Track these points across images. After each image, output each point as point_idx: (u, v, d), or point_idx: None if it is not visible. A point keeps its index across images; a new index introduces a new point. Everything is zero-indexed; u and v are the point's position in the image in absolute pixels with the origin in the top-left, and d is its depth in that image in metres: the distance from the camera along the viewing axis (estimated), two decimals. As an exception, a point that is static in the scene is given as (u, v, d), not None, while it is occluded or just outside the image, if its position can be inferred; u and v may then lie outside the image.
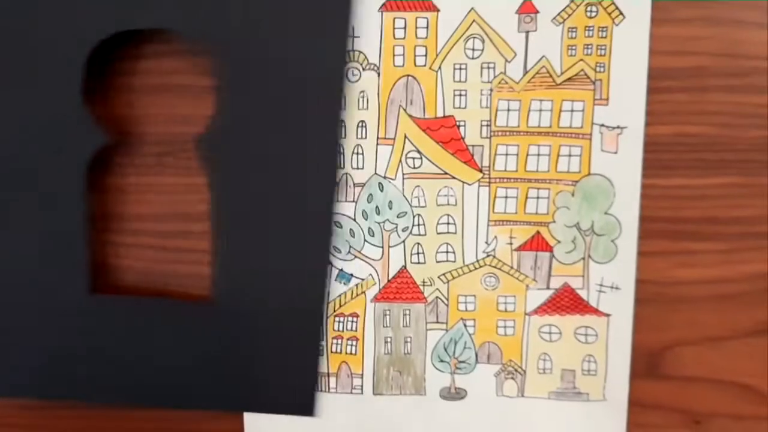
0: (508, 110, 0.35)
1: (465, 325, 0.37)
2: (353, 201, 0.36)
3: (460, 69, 0.35)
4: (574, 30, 0.34)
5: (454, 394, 0.38)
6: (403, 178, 0.36)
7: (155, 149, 0.37)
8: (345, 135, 0.35)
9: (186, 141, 0.36)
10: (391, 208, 0.36)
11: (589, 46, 0.34)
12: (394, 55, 0.35)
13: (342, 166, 0.36)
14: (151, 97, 0.36)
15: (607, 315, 0.37)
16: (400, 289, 0.37)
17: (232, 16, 0.34)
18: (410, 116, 0.35)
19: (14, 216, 0.36)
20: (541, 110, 0.35)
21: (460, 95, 0.35)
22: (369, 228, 0.36)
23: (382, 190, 0.36)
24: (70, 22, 0.34)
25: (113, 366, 0.37)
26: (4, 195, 0.36)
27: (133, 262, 0.38)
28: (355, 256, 0.37)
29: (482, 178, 0.36)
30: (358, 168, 0.36)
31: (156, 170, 0.37)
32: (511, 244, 0.37)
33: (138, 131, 0.37)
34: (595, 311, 0.37)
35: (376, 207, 0.36)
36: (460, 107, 0.35)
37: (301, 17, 0.34)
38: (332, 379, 0.38)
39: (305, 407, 0.37)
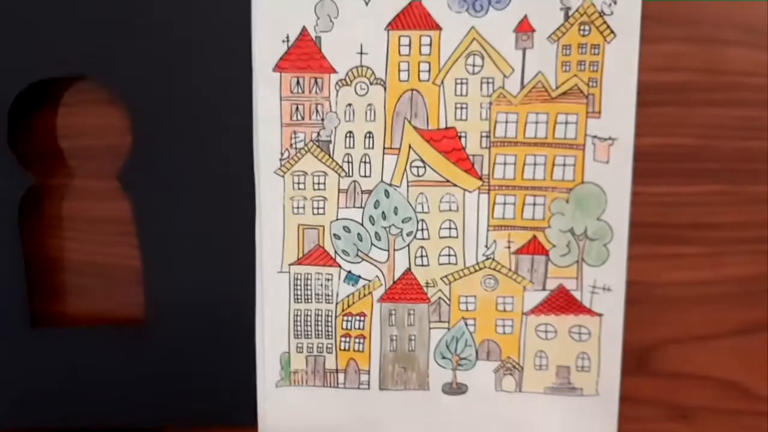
0: (507, 122, 0.37)
1: (466, 324, 0.39)
2: (361, 207, 0.38)
3: (462, 84, 0.36)
4: (568, 47, 0.36)
5: (455, 389, 0.39)
6: (408, 186, 0.37)
7: (80, 184, 0.38)
8: (354, 145, 0.37)
9: (109, 177, 0.37)
10: (396, 214, 0.38)
11: (583, 63, 0.36)
12: (399, 71, 0.36)
13: (351, 174, 0.37)
14: (71, 138, 0.38)
15: (600, 315, 0.38)
16: (405, 290, 0.39)
17: (136, 61, 0.36)
18: (414, 128, 0.37)
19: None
20: (537, 122, 0.37)
21: (461, 108, 0.37)
22: (376, 232, 0.38)
23: (388, 197, 0.38)
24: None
25: (55, 392, 0.38)
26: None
27: (69, 294, 0.39)
28: (363, 259, 0.38)
29: (482, 185, 0.37)
30: (365, 176, 0.37)
31: (79, 203, 0.38)
32: (509, 247, 0.38)
33: (62, 171, 0.38)
34: (588, 311, 0.38)
35: (383, 212, 0.38)
36: (461, 119, 0.37)
37: (203, 53, 0.35)
38: (341, 375, 0.39)
39: (246, 417, 0.39)
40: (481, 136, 0.37)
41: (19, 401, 0.39)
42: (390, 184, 0.38)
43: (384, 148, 0.37)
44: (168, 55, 0.36)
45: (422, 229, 0.38)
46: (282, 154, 0.37)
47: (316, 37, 0.36)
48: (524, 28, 0.36)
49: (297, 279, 0.38)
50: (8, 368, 0.38)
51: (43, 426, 0.39)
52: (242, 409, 0.39)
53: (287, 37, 0.36)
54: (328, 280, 0.38)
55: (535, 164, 0.37)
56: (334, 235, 0.38)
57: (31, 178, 0.37)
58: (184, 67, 0.36)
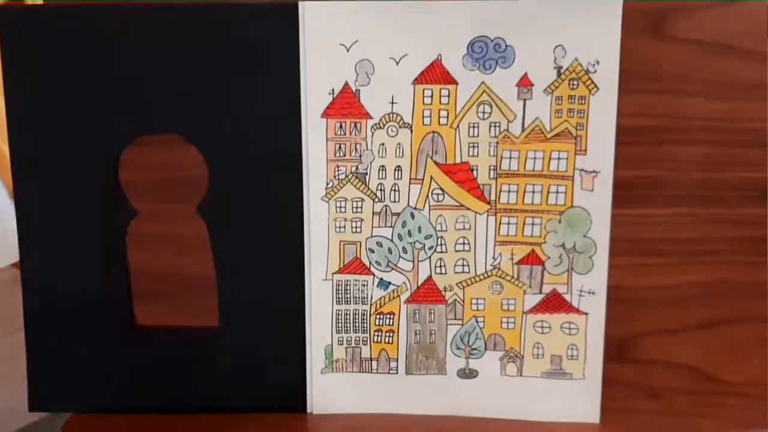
0: (510, 158, 0.41)
1: (477, 321, 0.43)
2: (391, 226, 0.43)
3: (474, 127, 0.41)
4: (560, 98, 0.40)
5: (468, 373, 0.44)
6: (430, 209, 0.42)
7: (163, 208, 0.43)
8: (386, 177, 0.42)
9: (187, 202, 0.43)
10: (420, 232, 0.43)
11: (572, 111, 0.40)
12: (423, 117, 0.41)
13: (383, 200, 0.42)
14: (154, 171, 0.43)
15: (586, 313, 0.42)
16: (427, 293, 0.43)
17: (211, 118, 0.41)
18: (435, 162, 0.42)
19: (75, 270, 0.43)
20: (535, 158, 0.41)
21: (474, 147, 0.41)
22: (403, 247, 0.43)
23: (413, 218, 0.43)
24: (107, 131, 0.42)
25: (149, 381, 0.44)
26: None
27: (151, 298, 0.44)
28: (392, 269, 0.43)
29: (490, 209, 0.42)
30: (395, 201, 0.42)
31: (163, 224, 0.43)
32: (512, 259, 0.43)
33: (150, 198, 0.43)
34: (577, 311, 0.43)
35: (409, 231, 0.43)
36: (473, 156, 0.42)
37: (261, 107, 0.41)
38: (374, 363, 0.44)
39: (297, 400, 0.44)
40: (490, 169, 0.42)
41: (121, 388, 0.45)
42: (415, 208, 0.42)
43: (410, 178, 0.42)
44: (235, 111, 0.42)
45: (441, 245, 0.43)
46: (327, 184, 0.42)
47: (356, 90, 0.41)
48: (525, 83, 0.40)
49: (339, 285, 0.43)
50: (115, 360, 0.45)
51: (139, 408, 0.45)
52: (294, 394, 0.44)
53: (332, 90, 0.41)
54: (364, 285, 0.43)
55: (533, 192, 0.42)
56: (369, 249, 0.43)
57: (135, 209, 0.43)
58: (246, 118, 0.42)
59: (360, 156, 0.42)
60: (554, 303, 0.43)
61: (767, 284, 0.43)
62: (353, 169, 0.42)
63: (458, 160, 0.42)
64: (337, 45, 0.41)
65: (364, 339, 0.44)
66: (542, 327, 0.43)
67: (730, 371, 0.44)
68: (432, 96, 0.41)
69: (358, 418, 0.44)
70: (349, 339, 0.44)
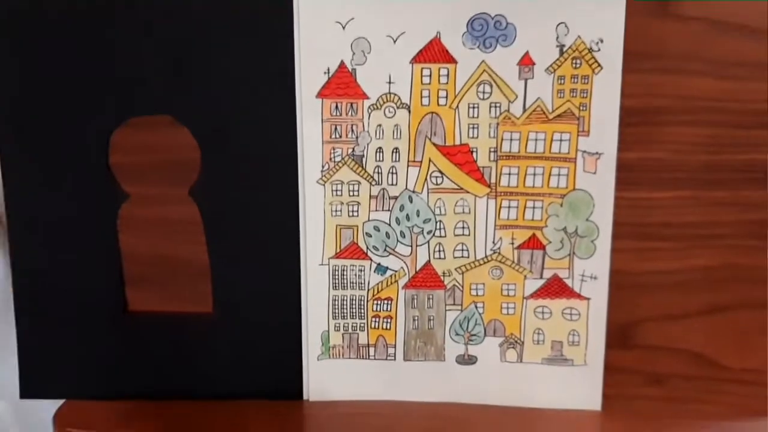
0: (511, 140, 0.41)
1: (476, 307, 0.43)
2: (389, 210, 0.42)
3: (474, 108, 0.41)
4: (562, 78, 0.40)
5: (467, 360, 0.44)
6: (428, 193, 0.42)
7: (155, 192, 0.42)
8: (383, 159, 0.42)
9: (179, 185, 0.42)
10: (418, 216, 0.42)
11: (575, 91, 0.40)
12: (421, 97, 0.40)
13: (380, 182, 0.42)
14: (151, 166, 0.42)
15: (588, 299, 0.42)
16: (425, 278, 0.43)
17: (204, 99, 0.41)
18: (434, 144, 0.41)
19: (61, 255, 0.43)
20: (536, 140, 0.41)
21: (473, 128, 0.41)
22: (401, 231, 0.42)
23: (411, 202, 0.42)
24: (96, 112, 0.41)
25: (141, 366, 0.44)
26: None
27: (142, 283, 0.43)
28: (390, 253, 0.43)
29: (490, 192, 0.42)
30: (392, 184, 0.42)
31: (155, 208, 0.42)
32: (512, 243, 0.42)
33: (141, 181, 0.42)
34: (578, 296, 0.42)
35: (407, 215, 0.42)
36: (473, 137, 0.41)
37: (254, 88, 0.40)
38: (371, 349, 0.44)
39: (293, 386, 0.44)
40: (490, 151, 0.41)
41: (114, 374, 0.44)
42: (413, 191, 0.42)
43: (408, 161, 0.41)
44: (226, 92, 0.41)
45: (440, 229, 0.42)
46: (323, 167, 0.42)
47: (352, 69, 0.40)
48: (526, 62, 0.40)
49: (335, 270, 0.43)
50: (107, 347, 0.44)
51: (132, 395, 0.44)
52: (290, 381, 0.44)
53: (328, 69, 0.40)
54: (361, 270, 0.43)
55: (534, 174, 0.41)
56: (366, 233, 0.43)
57: (126, 192, 0.42)
58: (239, 99, 0.41)
59: (356, 138, 0.42)
60: (555, 288, 0.43)
61: (772, 268, 0.42)
62: (349, 151, 0.42)
63: (457, 142, 0.41)
64: (332, 22, 0.40)
65: (362, 325, 0.44)
66: (543, 312, 0.43)
67: (733, 357, 0.43)
68: (430, 75, 0.40)
69: (355, 405, 0.44)
70: (346, 325, 0.44)
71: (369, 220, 0.43)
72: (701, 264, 0.42)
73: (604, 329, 0.43)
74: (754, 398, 0.43)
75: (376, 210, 0.42)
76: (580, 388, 0.43)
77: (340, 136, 0.42)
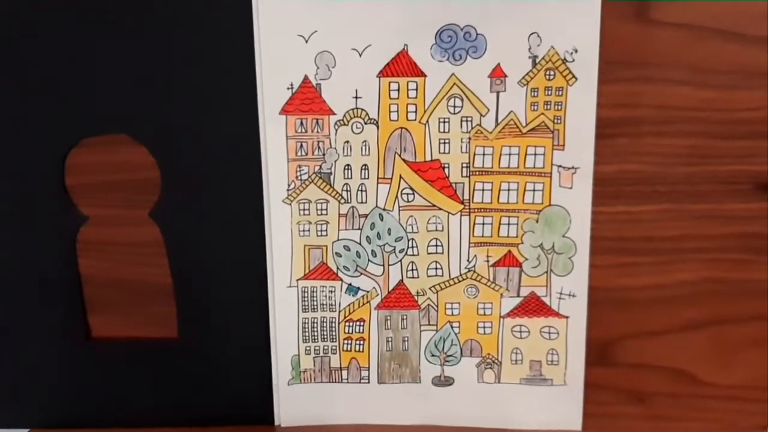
0: (484, 154, 0.40)
1: (451, 327, 0.42)
2: (359, 229, 0.41)
3: (444, 122, 0.39)
4: (536, 90, 0.39)
5: (443, 381, 0.43)
6: (399, 210, 0.41)
7: (114, 213, 0.41)
8: (351, 176, 0.40)
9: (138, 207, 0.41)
10: (390, 234, 0.41)
11: (549, 103, 0.39)
12: (390, 112, 0.39)
13: (349, 200, 0.41)
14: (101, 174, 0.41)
15: (566, 317, 0.41)
16: (399, 298, 0.42)
17: (162, 117, 0.39)
18: (404, 160, 0.40)
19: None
20: (510, 154, 0.40)
21: (444, 143, 0.40)
22: (372, 250, 0.41)
23: (382, 220, 0.41)
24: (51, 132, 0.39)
25: (104, 395, 0.43)
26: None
27: (103, 308, 0.42)
28: (361, 273, 0.42)
29: (463, 209, 0.41)
30: (362, 202, 0.41)
31: (114, 229, 0.41)
32: (488, 261, 0.41)
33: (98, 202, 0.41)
34: (557, 314, 0.42)
35: (378, 233, 0.41)
36: (444, 152, 0.40)
37: (214, 104, 0.39)
38: (344, 372, 0.43)
39: (263, 413, 0.43)
40: (462, 167, 0.40)
41: (79, 402, 0.43)
42: (384, 209, 0.41)
43: (378, 178, 0.40)
44: (186, 109, 0.39)
45: (412, 247, 0.41)
46: (289, 185, 0.40)
47: (316, 84, 0.39)
48: (497, 74, 0.38)
49: (304, 292, 0.42)
50: (71, 374, 0.43)
51: (98, 424, 0.43)
52: (260, 406, 0.43)
53: (291, 85, 0.39)
54: (332, 291, 0.42)
55: (509, 190, 0.40)
56: (336, 253, 0.41)
57: (84, 215, 0.41)
58: (200, 116, 0.39)
59: (323, 155, 0.40)
60: (533, 306, 0.42)
61: (756, 282, 0.41)
62: (316, 168, 0.41)
63: (428, 158, 0.40)
64: (294, 36, 0.38)
65: (333, 348, 0.43)
66: (520, 331, 0.42)
67: (717, 374, 0.43)
68: (399, 89, 0.39)
69: (328, 430, 0.43)
70: (317, 348, 0.43)
71: (338, 240, 0.42)
72: (683, 279, 0.41)
73: (583, 347, 0.42)
74: (739, 414, 0.43)
75: (346, 229, 0.41)
76: (560, 408, 0.43)
77: (306, 154, 0.40)
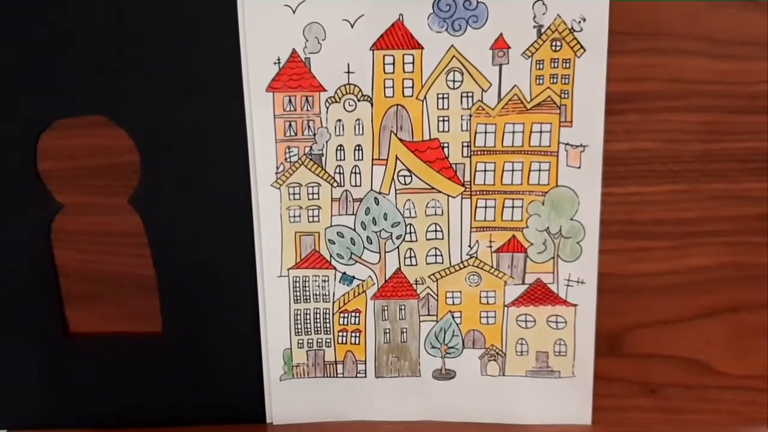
0: (486, 133, 0.38)
1: (453, 317, 0.41)
2: (353, 214, 0.39)
3: (443, 98, 0.38)
4: (541, 62, 0.37)
5: (444, 374, 0.42)
6: (396, 193, 0.39)
7: (91, 201, 0.39)
8: (344, 157, 0.38)
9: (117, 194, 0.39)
10: (386, 219, 0.40)
11: (555, 76, 0.37)
12: (384, 88, 0.38)
13: (342, 184, 0.39)
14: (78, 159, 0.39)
15: (574, 305, 0.40)
16: (396, 288, 0.41)
17: (140, 96, 0.37)
18: (400, 140, 0.38)
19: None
20: (514, 132, 0.38)
21: (444, 121, 0.38)
22: (367, 237, 0.40)
23: (377, 204, 0.39)
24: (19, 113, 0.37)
25: (85, 393, 0.41)
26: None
27: (83, 301, 0.41)
28: (356, 261, 0.40)
29: (464, 191, 0.39)
30: (356, 185, 0.39)
31: (92, 218, 0.39)
32: (490, 247, 0.40)
33: (74, 189, 0.39)
34: (564, 302, 0.40)
35: (373, 218, 0.40)
36: (443, 131, 0.38)
37: (196, 82, 0.37)
38: (339, 366, 0.41)
39: (254, 410, 0.41)
40: (463, 146, 0.38)
41: (58, 402, 0.41)
42: (379, 192, 0.39)
43: (372, 159, 0.39)
44: (166, 88, 0.37)
45: (410, 233, 0.40)
46: (277, 168, 0.38)
47: (305, 58, 0.37)
48: (500, 45, 0.37)
49: (296, 281, 0.40)
50: (48, 372, 0.41)
51: (79, 424, 0.42)
52: (251, 404, 0.41)
53: (278, 59, 0.37)
54: (325, 281, 0.40)
55: (512, 170, 0.39)
56: (329, 240, 0.40)
57: (59, 202, 0.39)
58: (181, 95, 0.37)
59: (314, 135, 0.39)
60: (539, 294, 0.41)
61: (775, 267, 0.40)
62: (307, 149, 0.39)
63: (426, 137, 0.39)
64: (280, 6, 0.36)
65: (328, 341, 0.42)
66: (526, 321, 0.41)
67: (732, 363, 0.42)
68: (394, 63, 0.37)
69: (323, 427, 0.42)
70: (310, 341, 0.41)
71: (331, 226, 0.40)
72: (698, 264, 0.40)
73: (592, 337, 0.41)
74: (755, 405, 0.42)
75: (339, 214, 0.40)
76: (569, 401, 0.42)
77: (296, 134, 0.38)
